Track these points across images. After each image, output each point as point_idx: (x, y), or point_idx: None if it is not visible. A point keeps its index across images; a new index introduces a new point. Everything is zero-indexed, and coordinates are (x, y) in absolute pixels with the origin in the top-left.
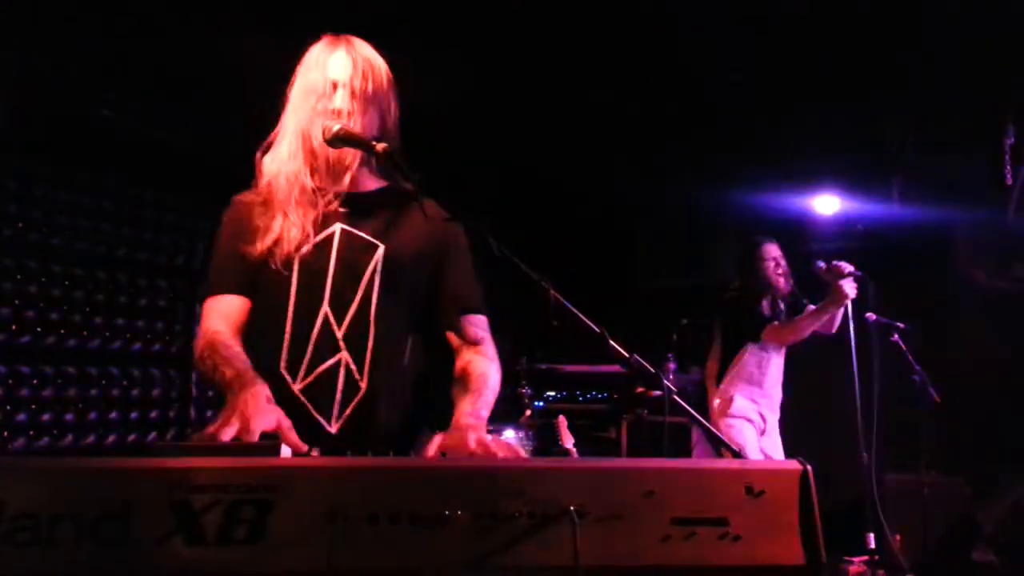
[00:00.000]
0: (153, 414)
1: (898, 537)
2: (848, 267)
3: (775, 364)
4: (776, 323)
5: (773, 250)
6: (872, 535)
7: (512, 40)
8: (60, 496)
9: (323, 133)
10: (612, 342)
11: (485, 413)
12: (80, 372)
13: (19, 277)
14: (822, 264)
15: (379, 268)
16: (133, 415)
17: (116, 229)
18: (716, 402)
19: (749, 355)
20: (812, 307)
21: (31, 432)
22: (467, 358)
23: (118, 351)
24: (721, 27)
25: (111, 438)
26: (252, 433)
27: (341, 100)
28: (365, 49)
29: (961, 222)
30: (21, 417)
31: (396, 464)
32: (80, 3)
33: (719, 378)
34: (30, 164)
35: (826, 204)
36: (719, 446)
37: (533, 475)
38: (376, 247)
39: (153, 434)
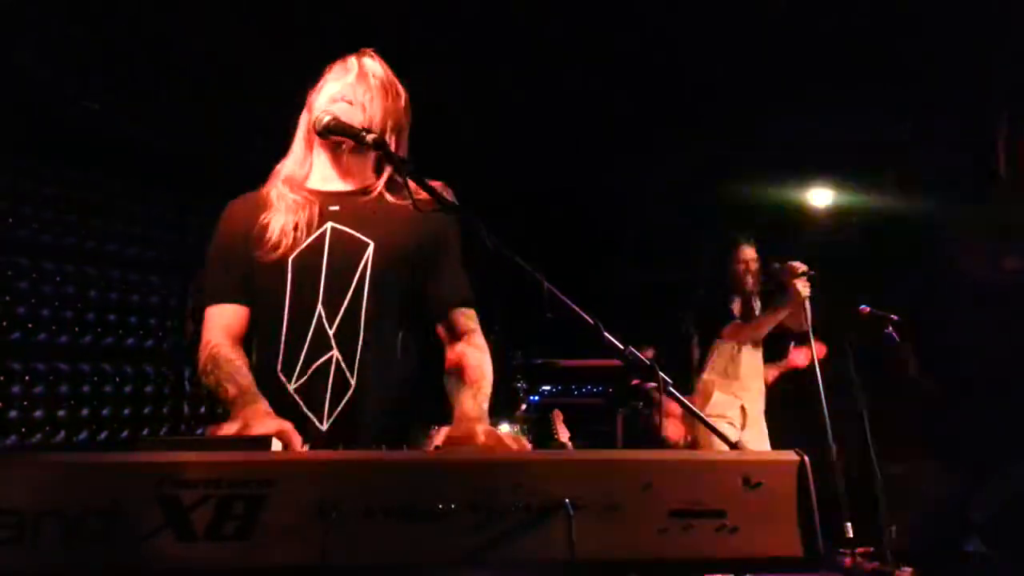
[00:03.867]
0: (146, 410)
1: (893, 528)
2: (802, 266)
3: (748, 356)
4: (736, 322)
5: (748, 252)
6: (849, 524)
7: (498, 32)
8: (45, 492)
9: (315, 124)
10: (607, 334)
11: (486, 406)
12: (72, 368)
13: (9, 273)
14: (777, 264)
15: (369, 265)
16: (126, 411)
17: (106, 225)
18: (696, 398)
19: (720, 349)
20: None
21: (23, 429)
22: (460, 350)
23: (111, 347)
24: (712, 19)
25: (103, 434)
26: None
27: (351, 93)
28: (382, 67)
29: (954, 214)
30: (13, 414)
31: (390, 457)
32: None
33: (698, 374)
34: (18, 160)
35: (820, 196)
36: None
37: (529, 468)
38: (366, 244)
39: (146, 430)
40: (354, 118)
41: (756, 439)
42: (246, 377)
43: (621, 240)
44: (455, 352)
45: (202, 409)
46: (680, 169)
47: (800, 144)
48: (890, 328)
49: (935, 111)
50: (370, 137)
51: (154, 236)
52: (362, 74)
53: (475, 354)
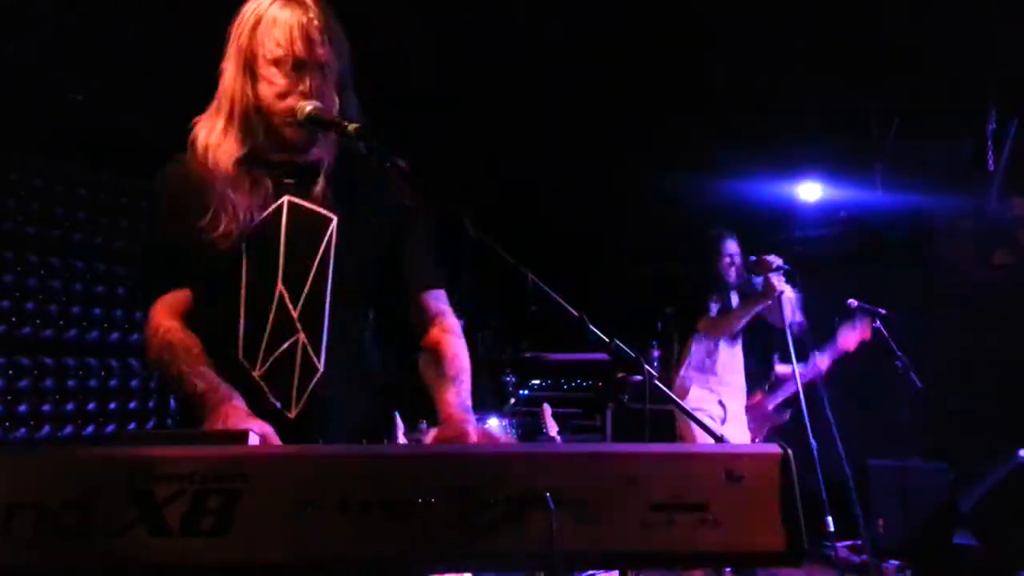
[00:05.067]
0: (132, 405)
1: (880, 522)
2: (776, 261)
3: (727, 352)
4: (710, 316)
5: (731, 246)
6: (829, 518)
7: (497, 25)
8: (17, 486)
9: (297, 113)
10: (592, 327)
11: (469, 400)
12: (57, 362)
13: None
14: (752, 258)
15: (333, 242)
16: (112, 406)
17: (92, 218)
18: (673, 393)
19: (697, 344)
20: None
21: (7, 423)
22: (435, 337)
23: (96, 341)
24: (705, 15)
25: (89, 429)
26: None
27: (308, 74)
28: (325, 13)
29: (943, 209)
30: None
31: (367, 451)
32: None
33: (676, 367)
34: (3, 153)
35: (809, 191)
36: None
37: (509, 461)
38: (329, 220)
39: (132, 425)
40: (316, 94)
41: (737, 435)
42: (210, 369)
43: (620, 237)
44: (430, 339)
45: None
46: (676, 165)
47: (791, 140)
48: (878, 322)
49: (924, 105)
50: (352, 127)
51: (141, 230)
52: (308, 25)
53: (451, 341)
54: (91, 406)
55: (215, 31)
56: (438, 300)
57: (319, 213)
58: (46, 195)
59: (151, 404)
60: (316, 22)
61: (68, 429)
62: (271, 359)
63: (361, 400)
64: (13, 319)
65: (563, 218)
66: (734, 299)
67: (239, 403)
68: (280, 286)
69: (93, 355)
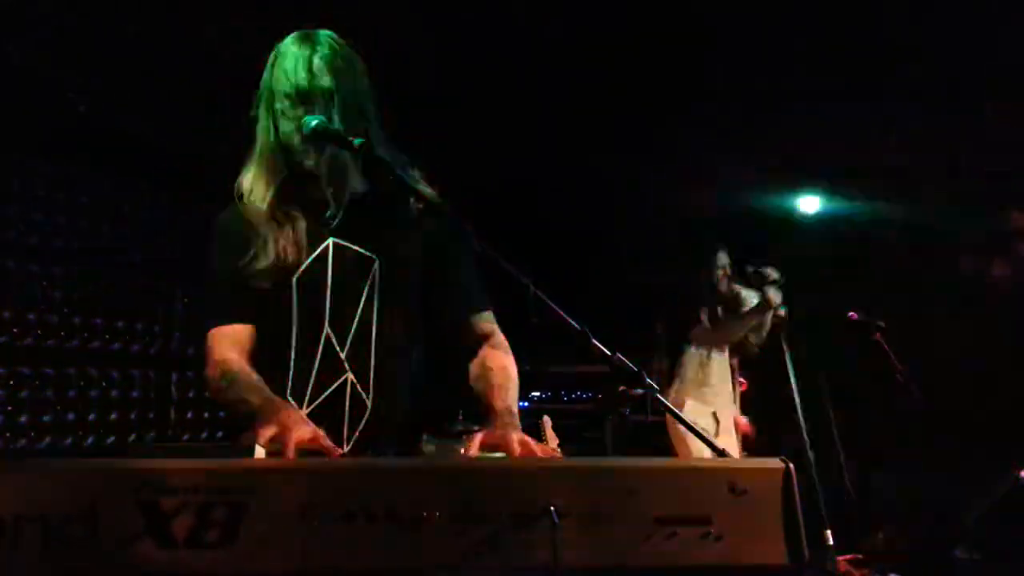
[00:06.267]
0: (133, 415)
1: (880, 535)
2: (773, 274)
3: (718, 363)
4: (705, 326)
5: (721, 258)
6: (828, 532)
7: (497, 25)
8: (24, 498)
9: (301, 128)
10: (594, 340)
11: (515, 407)
12: (58, 373)
13: None
14: (750, 269)
15: (376, 283)
16: (113, 416)
17: (95, 226)
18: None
19: (689, 356)
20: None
21: (7, 434)
22: (483, 353)
23: (97, 351)
24: (705, 15)
25: (90, 440)
26: (290, 440)
27: (315, 105)
28: (335, 45)
29: (942, 220)
30: None
31: (372, 464)
32: None
33: (668, 380)
34: (4, 158)
35: (808, 203)
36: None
37: (513, 474)
38: (372, 261)
39: (133, 436)
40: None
41: (728, 446)
42: (266, 388)
43: (620, 238)
44: (478, 357)
45: (189, 414)
46: (676, 168)
47: (791, 149)
48: (877, 335)
49: (924, 115)
50: (357, 143)
51: (143, 238)
52: (326, 62)
53: (497, 355)
54: (91, 416)
55: (215, 32)
56: (486, 321)
57: (362, 255)
58: (47, 201)
59: (151, 415)
60: (320, 53)
61: (68, 440)
62: (320, 398)
63: (408, 430)
64: (15, 329)
65: (562, 218)
66: (720, 312)
67: (297, 411)
68: (327, 328)
69: (94, 365)
